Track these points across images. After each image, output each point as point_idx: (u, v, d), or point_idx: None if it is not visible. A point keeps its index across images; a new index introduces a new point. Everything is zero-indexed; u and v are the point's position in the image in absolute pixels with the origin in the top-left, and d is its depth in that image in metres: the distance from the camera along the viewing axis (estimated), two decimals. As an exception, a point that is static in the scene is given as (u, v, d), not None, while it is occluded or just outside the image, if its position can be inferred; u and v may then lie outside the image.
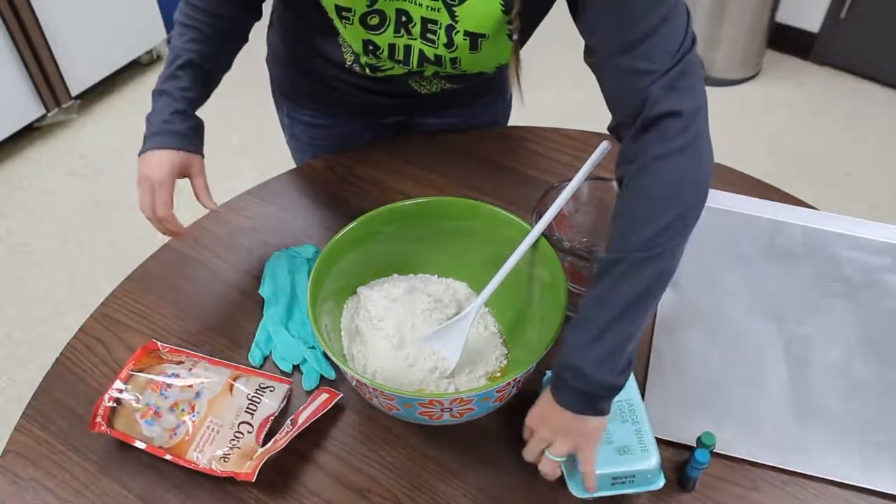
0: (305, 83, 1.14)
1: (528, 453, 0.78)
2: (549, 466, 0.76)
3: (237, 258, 1.04)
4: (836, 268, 1.05)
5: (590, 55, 0.76)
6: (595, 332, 0.70)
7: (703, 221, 1.09)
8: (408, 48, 0.93)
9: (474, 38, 0.89)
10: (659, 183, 0.70)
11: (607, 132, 0.79)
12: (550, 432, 0.75)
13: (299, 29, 1.06)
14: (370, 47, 0.94)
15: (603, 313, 0.70)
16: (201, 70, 0.94)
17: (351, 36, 0.94)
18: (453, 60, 0.93)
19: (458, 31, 0.88)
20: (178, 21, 0.94)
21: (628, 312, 0.70)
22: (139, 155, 0.93)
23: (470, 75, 1.00)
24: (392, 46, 0.93)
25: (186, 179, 0.95)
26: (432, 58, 0.93)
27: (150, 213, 0.92)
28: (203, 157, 0.96)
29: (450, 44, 0.90)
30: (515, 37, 0.86)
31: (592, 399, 0.71)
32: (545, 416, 0.76)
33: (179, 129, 0.92)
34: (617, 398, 0.76)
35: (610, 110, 0.77)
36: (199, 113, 0.97)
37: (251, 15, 1.00)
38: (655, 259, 0.69)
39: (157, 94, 0.94)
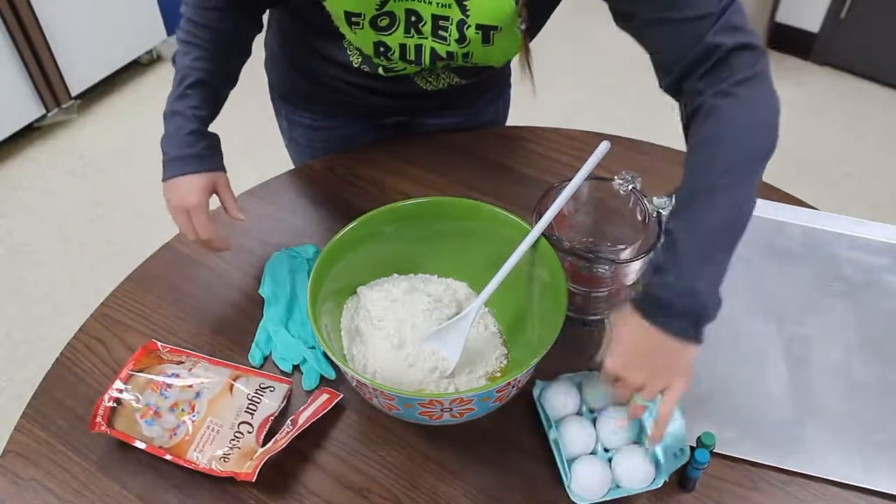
0: (305, 85, 1.14)
1: (620, 398, 0.75)
2: (640, 411, 0.74)
3: (237, 258, 1.04)
4: (836, 268, 1.05)
5: (626, 20, 0.76)
6: (702, 254, 0.69)
7: (703, 221, 1.09)
8: (419, 47, 0.93)
9: (486, 31, 0.89)
10: (746, 107, 0.71)
11: (662, 89, 0.78)
12: (643, 372, 0.71)
13: (300, 33, 1.06)
14: (381, 49, 0.94)
15: (705, 236, 0.69)
16: (210, 87, 0.94)
17: (361, 39, 0.93)
18: (465, 55, 0.93)
19: (469, 26, 0.88)
20: (181, 39, 0.94)
21: (727, 234, 0.70)
22: (163, 181, 0.93)
23: (480, 68, 1.00)
24: (403, 47, 0.93)
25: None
26: (444, 55, 0.93)
27: (195, 238, 0.93)
28: (225, 170, 0.96)
29: (462, 39, 0.90)
30: (524, 27, 0.87)
31: (701, 321, 0.69)
32: (639, 355, 0.71)
33: (198, 151, 0.92)
34: None
35: (662, 68, 0.76)
36: None
37: (253, 28, 0.99)
38: (746, 181, 0.70)
39: (169, 115, 0.93)
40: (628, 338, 0.72)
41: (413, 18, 0.89)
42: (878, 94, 2.85)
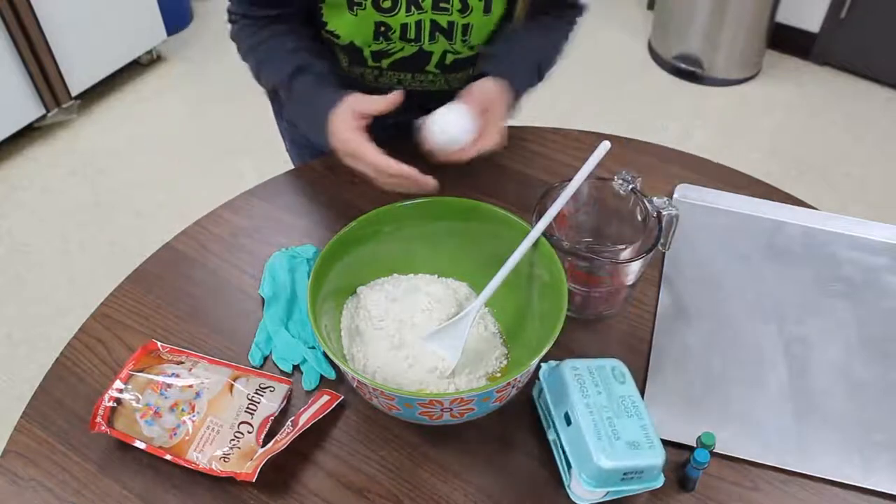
0: None
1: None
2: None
3: (237, 258, 1.04)
4: (836, 268, 1.05)
5: None
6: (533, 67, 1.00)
7: (704, 221, 1.10)
8: (419, 23, 0.93)
9: None
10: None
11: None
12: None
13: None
14: (382, 29, 0.94)
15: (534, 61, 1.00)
16: (311, 71, 0.95)
17: (361, 22, 0.93)
18: (465, 28, 0.94)
19: None
20: (261, 59, 0.97)
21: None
22: (329, 139, 0.93)
23: (469, 60, 1.01)
24: (404, 26, 0.93)
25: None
26: (445, 26, 0.94)
27: (384, 174, 0.89)
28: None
29: (464, 9, 0.92)
30: None
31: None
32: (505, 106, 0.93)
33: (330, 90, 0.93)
34: (619, 394, 0.79)
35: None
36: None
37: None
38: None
39: (294, 95, 0.95)
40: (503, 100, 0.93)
41: None
42: (878, 94, 2.85)
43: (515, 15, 0.95)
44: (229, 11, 1.00)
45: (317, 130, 0.92)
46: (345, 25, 0.94)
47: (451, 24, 0.94)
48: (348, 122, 0.89)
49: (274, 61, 0.95)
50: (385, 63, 1.01)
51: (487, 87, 0.93)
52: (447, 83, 1.08)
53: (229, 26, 1.01)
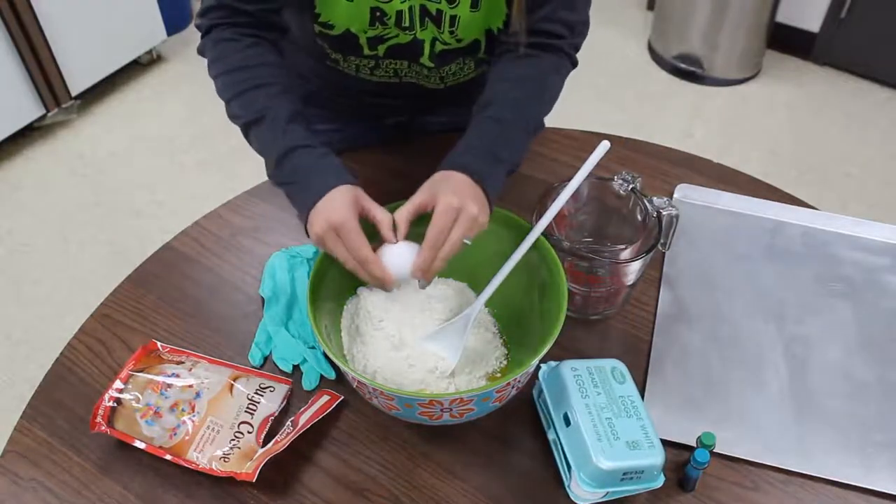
0: (303, 90, 1.13)
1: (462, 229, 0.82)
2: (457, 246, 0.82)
3: (237, 258, 1.05)
4: (836, 268, 1.05)
5: None
6: (505, 166, 0.91)
7: (704, 221, 1.10)
8: (411, 9, 0.94)
9: None
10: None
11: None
12: (476, 207, 0.82)
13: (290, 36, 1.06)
14: (377, 14, 0.94)
15: (509, 157, 0.92)
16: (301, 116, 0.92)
17: (356, 8, 0.93)
18: (452, 19, 0.94)
19: None
20: (239, 91, 0.94)
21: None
22: (308, 214, 0.85)
23: (458, 52, 1.01)
24: (399, 13, 0.93)
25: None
26: (433, 12, 0.94)
27: (353, 263, 0.81)
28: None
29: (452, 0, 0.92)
30: None
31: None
32: (470, 196, 0.84)
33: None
34: (619, 394, 0.79)
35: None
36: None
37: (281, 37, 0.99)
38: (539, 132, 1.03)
39: (286, 154, 0.89)
40: (466, 183, 0.86)
41: None
42: (878, 94, 2.85)
43: (510, 26, 0.94)
44: (207, 10, 0.96)
45: (302, 197, 0.87)
46: (340, 14, 0.94)
47: (439, 12, 0.94)
48: (349, 205, 0.82)
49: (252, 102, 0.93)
50: (381, 49, 1.01)
51: (436, 178, 0.88)
52: (441, 80, 1.08)
53: (199, 38, 0.98)
